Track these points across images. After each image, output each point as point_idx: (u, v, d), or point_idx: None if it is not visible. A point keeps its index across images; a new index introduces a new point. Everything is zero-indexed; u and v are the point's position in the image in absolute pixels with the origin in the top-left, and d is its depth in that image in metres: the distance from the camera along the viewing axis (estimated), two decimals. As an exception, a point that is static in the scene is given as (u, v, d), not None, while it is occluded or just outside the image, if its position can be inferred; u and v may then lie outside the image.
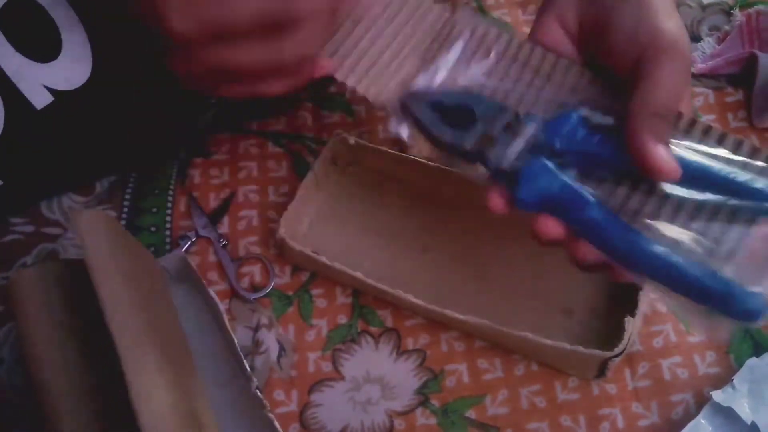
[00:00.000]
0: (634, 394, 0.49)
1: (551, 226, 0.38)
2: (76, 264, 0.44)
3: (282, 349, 0.52)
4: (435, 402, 0.50)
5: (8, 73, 0.48)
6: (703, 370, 0.49)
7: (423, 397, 0.50)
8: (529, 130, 0.39)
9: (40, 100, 0.49)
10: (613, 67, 0.39)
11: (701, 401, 0.48)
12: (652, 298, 0.51)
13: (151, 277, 0.47)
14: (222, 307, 0.47)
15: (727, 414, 0.46)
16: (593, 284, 0.52)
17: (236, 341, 0.49)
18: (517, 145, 0.38)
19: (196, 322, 0.51)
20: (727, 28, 0.63)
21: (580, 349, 0.45)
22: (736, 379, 0.47)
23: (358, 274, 0.52)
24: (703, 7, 0.65)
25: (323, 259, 0.52)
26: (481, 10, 0.68)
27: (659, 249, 0.35)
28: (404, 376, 0.51)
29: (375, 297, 0.53)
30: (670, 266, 0.35)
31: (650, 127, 0.36)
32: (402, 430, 0.49)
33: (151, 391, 0.37)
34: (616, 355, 0.45)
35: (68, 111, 0.50)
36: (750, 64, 0.59)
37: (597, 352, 0.46)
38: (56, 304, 0.43)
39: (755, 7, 0.62)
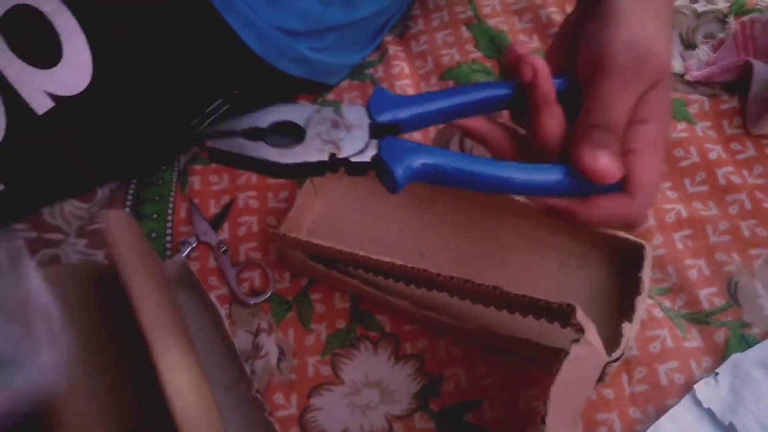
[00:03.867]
0: (631, 398, 0.49)
1: None
2: (81, 267, 0.44)
3: (281, 353, 0.53)
4: (433, 406, 0.50)
5: (10, 79, 0.49)
6: (699, 375, 0.49)
7: (421, 401, 0.50)
8: (355, 117, 0.39)
9: (41, 105, 0.50)
10: (579, 80, 0.40)
11: (697, 405, 0.48)
12: (649, 303, 0.52)
13: (164, 276, 0.47)
14: (222, 311, 0.47)
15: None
16: (590, 289, 0.52)
17: (236, 345, 0.49)
18: (361, 134, 0.38)
19: (196, 327, 0.51)
20: (721, 35, 0.64)
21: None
22: (720, 371, 0.48)
23: (356, 281, 0.52)
24: (698, 15, 0.66)
25: (321, 266, 0.53)
26: (478, 19, 0.69)
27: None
28: (403, 380, 0.51)
29: (373, 302, 0.54)
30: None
31: (587, 137, 0.37)
32: (400, 434, 0.49)
33: (181, 382, 0.38)
34: (614, 360, 0.45)
35: (69, 116, 0.51)
36: (745, 71, 0.60)
37: (594, 356, 0.46)
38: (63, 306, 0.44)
39: (750, 15, 0.62)
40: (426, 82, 0.66)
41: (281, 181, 0.60)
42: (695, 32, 0.65)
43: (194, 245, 0.57)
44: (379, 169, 0.38)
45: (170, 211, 0.59)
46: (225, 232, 0.58)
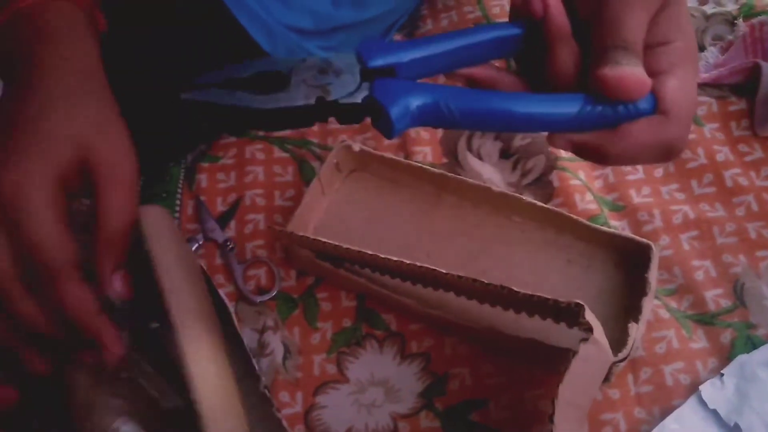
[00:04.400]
0: (636, 399, 0.49)
1: None
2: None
3: (287, 351, 0.53)
4: (438, 405, 0.50)
5: None
6: (704, 376, 0.49)
7: (427, 400, 0.50)
8: (345, 63, 0.36)
9: None
10: (581, 13, 0.37)
11: (703, 407, 0.48)
12: (655, 304, 0.52)
13: (197, 270, 0.48)
14: (232, 308, 0.48)
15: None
16: (596, 289, 0.52)
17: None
18: (352, 78, 0.35)
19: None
20: (730, 38, 0.64)
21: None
22: (725, 372, 0.48)
23: (362, 280, 0.52)
24: (707, 17, 0.66)
25: (327, 264, 0.53)
26: (487, 19, 0.69)
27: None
28: (408, 379, 0.51)
29: (379, 301, 0.54)
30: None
31: (604, 59, 0.35)
32: (406, 432, 0.50)
33: (208, 375, 0.39)
34: (620, 360, 0.45)
35: None
36: (753, 73, 0.60)
37: (601, 356, 0.46)
38: None
39: (759, 17, 0.62)
40: (434, 82, 0.66)
41: (288, 179, 0.60)
42: (704, 34, 0.65)
43: (201, 242, 0.57)
44: (373, 113, 0.35)
45: (177, 209, 0.59)
46: (232, 230, 0.58)
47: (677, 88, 0.36)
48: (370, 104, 0.34)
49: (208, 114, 0.35)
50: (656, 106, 0.35)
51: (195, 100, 0.35)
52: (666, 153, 0.37)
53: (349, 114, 0.35)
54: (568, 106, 0.35)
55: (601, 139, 0.35)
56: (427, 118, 0.35)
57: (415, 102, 0.34)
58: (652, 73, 0.36)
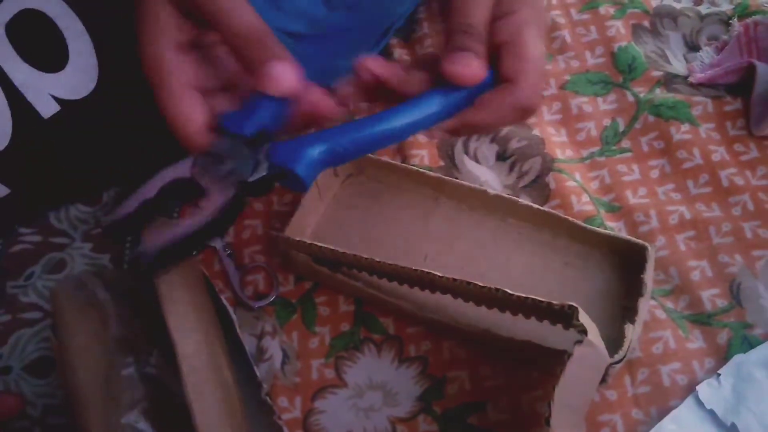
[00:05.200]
0: (634, 400, 0.49)
1: None
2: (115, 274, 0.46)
3: (285, 356, 0.53)
4: (437, 408, 0.50)
5: (16, 82, 0.49)
6: (701, 377, 0.49)
7: (425, 403, 0.50)
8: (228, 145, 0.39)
9: (47, 109, 0.50)
10: None
11: (701, 407, 0.48)
12: (652, 305, 0.52)
13: (197, 278, 0.47)
14: (233, 313, 0.48)
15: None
16: (592, 290, 0.52)
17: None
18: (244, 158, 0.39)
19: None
20: (725, 37, 0.64)
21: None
22: (722, 372, 0.48)
23: (360, 284, 0.53)
24: (702, 17, 0.66)
25: (325, 269, 0.53)
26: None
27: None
28: (406, 382, 0.51)
29: (377, 305, 0.54)
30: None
31: (448, 46, 0.39)
32: (404, 436, 0.50)
33: (205, 392, 0.40)
34: (617, 362, 0.45)
35: (74, 120, 0.51)
36: (748, 73, 0.60)
37: (597, 358, 0.46)
38: (94, 314, 0.44)
39: (753, 17, 0.62)
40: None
41: (285, 184, 0.60)
42: (699, 34, 0.65)
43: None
44: (279, 177, 0.37)
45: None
46: (230, 236, 0.59)
47: (520, 54, 0.40)
48: (276, 170, 0.37)
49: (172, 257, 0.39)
50: (496, 76, 0.40)
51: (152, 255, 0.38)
52: (522, 113, 0.42)
53: (260, 188, 0.38)
54: (431, 106, 0.40)
55: (465, 117, 0.41)
56: (326, 163, 0.38)
57: (313, 153, 0.37)
58: (497, 43, 0.40)
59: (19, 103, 0.49)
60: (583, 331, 0.40)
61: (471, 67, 0.39)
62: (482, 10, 0.40)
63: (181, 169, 0.39)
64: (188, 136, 0.40)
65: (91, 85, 0.51)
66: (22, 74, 0.49)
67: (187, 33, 0.42)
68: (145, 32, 0.42)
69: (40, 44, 0.50)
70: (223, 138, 0.39)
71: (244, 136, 0.38)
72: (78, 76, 0.51)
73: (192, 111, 0.41)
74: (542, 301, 0.43)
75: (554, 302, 0.42)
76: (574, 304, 0.41)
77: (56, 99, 0.50)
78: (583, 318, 0.41)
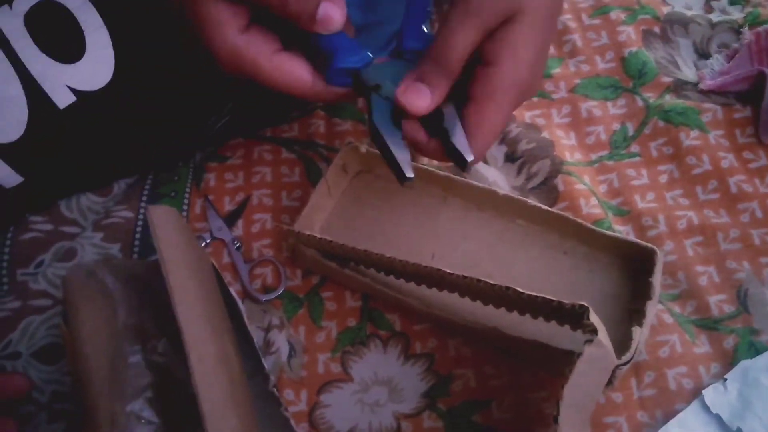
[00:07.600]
0: (639, 402, 0.49)
1: None
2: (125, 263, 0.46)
3: (292, 349, 0.53)
4: (442, 405, 0.50)
5: (33, 73, 0.49)
6: (707, 381, 0.49)
7: (430, 400, 0.51)
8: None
9: (63, 99, 0.51)
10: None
11: (705, 411, 0.48)
12: (659, 309, 0.52)
13: (207, 270, 0.48)
14: (242, 305, 0.48)
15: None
16: (600, 293, 0.53)
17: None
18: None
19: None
20: (736, 45, 0.64)
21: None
22: (728, 377, 0.48)
23: (367, 280, 0.53)
24: (713, 25, 0.66)
25: (333, 264, 0.53)
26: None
27: None
28: (412, 379, 0.52)
29: (384, 301, 0.54)
30: None
31: (419, 69, 0.41)
32: (409, 432, 0.50)
33: (213, 381, 0.39)
34: (624, 364, 0.46)
35: (90, 111, 0.52)
36: (758, 81, 0.60)
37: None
38: (103, 302, 0.45)
39: (764, 25, 0.63)
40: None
41: (296, 179, 0.61)
42: (710, 42, 0.66)
43: (208, 241, 0.58)
44: None
45: (185, 207, 0.59)
46: (239, 229, 0.59)
47: (478, 121, 0.41)
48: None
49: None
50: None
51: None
52: (517, 93, 0.42)
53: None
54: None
55: (421, 143, 0.45)
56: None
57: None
58: (468, 93, 0.41)
59: (35, 93, 0.50)
60: (594, 331, 0.40)
61: (420, 101, 0.40)
62: (466, 44, 0.39)
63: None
64: (307, 91, 0.43)
65: (107, 77, 0.52)
66: (40, 65, 0.50)
67: (243, 16, 0.43)
68: (212, 37, 0.43)
69: (57, 35, 0.50)
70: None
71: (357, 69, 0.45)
72: (94, 68, 0.51)
73: (293, 71, 0.43)
74: (553, 300, 0.43)
75: (565, 301, 0.42)
76: (585, 304, 0.41)
77: (72, 90, 0.51)
78: (594, 318, 0.41)
